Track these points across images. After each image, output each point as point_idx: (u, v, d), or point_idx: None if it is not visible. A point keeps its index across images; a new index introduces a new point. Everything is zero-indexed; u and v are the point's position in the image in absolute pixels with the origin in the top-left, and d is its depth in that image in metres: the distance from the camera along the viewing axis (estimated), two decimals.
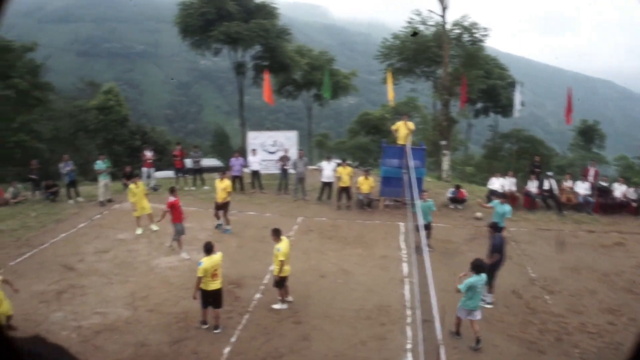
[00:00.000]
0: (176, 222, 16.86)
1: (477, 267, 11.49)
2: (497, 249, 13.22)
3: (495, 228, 13.70)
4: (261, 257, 16.20)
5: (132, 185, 19.00)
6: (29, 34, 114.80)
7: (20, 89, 36.52)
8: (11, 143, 37.30)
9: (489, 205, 17.56)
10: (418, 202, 16.56)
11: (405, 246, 17.84)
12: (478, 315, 11.71)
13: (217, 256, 12.20)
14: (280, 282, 13.11)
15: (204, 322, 12.52)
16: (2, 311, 11.43)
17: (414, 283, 14.35)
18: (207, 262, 11.89)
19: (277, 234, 13.02)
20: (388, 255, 17.13)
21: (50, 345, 1.44)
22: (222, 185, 18.74)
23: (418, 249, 15.51)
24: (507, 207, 16.39)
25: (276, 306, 13.33)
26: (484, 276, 11.57)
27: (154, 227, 19.08)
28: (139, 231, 18.95)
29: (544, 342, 11.93)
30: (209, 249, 12.11)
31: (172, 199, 16.80)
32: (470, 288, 11.33)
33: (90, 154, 44.19)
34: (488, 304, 13.39)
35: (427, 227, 16.71)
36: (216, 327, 12.34)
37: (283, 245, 12.81)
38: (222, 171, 20.16)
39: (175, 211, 16.74)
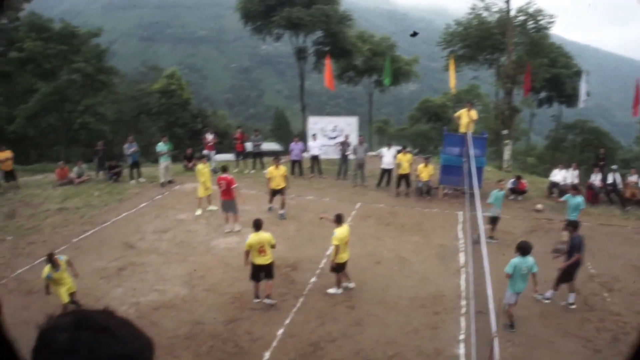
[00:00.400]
0: (227, 199, 17.23)
1: (521, 248, 11.38)
2: (577, 248, 12.81)
3: (575, 227, 13.26)
4: (318, 242, 16.25)
5: (200, 165, 19.35)
6: (94, 20, 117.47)
7: (86, 73, 37.49)
8: (77, 125, 38.41)
9: (562, 199, 17.16)
10: (495, 191, 16.65)
11: (463, 236, 17.63)
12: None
13: (265, 234, 12.39)
14: (336, 268, 13.11)
15: (257, 296, 12.84)
16: (67, 288, 11.86)
17: (470, 273, 14.18)
18: (252, 237, 12.26)
19: (338, 219, 12.99)
20: (445, 244, 16.96)
21: (118, 318, 1.47)
22: (280, 172, 18.85)
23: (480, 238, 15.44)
24: (579, 199, 16.12)
25: (331, 291, 13.35)
26: (529, 259, 11.40)
27: (214, 208, 19.33)
28: (198, 212, 19.29)
29: (600, 340, 11.60)
30: (257, 225, 12.41)
31: (229, 176, 17.28)
32: (515, 269, 11.23)
33: (152, 136, 45.13)
34: (546, 299, 13.07)
35: (496, 218, 16.66)
36: (268, 297, 12.67)
37: (340, 230, 12.75)
38: (277, 157, 19.99)
39: (221, 188, 17.22)
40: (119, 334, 1.42)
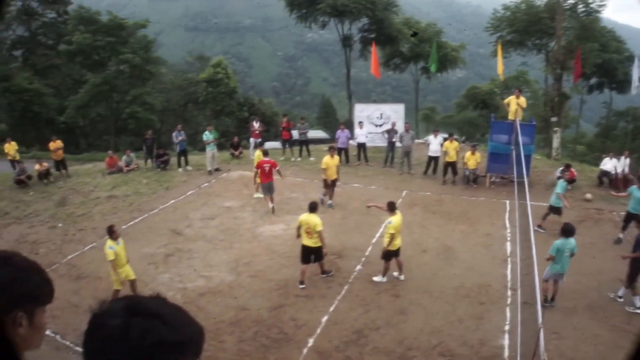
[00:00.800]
0: (269, 180, 17.82)
1: (565, 231, 11.27)
2: None
3: None
4: (364, 230, 16.25)
5: (258, 152, 19.47)
6: (140, 11, 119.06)
7: (134, 63, 38.07)
8: (125, 114, 39.10)
9: (624, 193, 16.70)
10: (560, 181, 16.79)
11: (510, 224, 17.40)
12: (562, 280, 11.61)
13: (314, 218, 12.71)
14: (388, 255, 13.13)
15: (302, 282, 13.09)
16: (125, 274, 12.10)
17: (516, 263, 14.01)
18: (303, 216, 13.02)
19: (391, 207, 13.05)
20: (492, 234, 16.77)
21: (169, 305, 1.50)
22: (335, 161, 18.60)
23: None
24: None
25: (376, 279, 13.35)
26: (572, 241, 11.28)
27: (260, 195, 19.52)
28: (258, 195, 19.50)
29: None
30: (311, 208, 12.93)
31: (271, 160, 17.95)
32: (558, 251, 11.12)
33: (199, 125, 45.63)
34: (638, 308, 12.11)
35: (557, 210, 16.51)
36: (323, 272, 13.48)
37: (395, 218, 12.79)
38: (332, 147, 19.68)
39: (264, 171, 17.84)
40: (170, 321, 1.44)
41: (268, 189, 17.93)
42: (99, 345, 1.36)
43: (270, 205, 18.02)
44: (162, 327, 1.40)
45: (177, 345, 1.42)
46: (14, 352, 1.44)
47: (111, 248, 11.79)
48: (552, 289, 11.69)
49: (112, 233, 11.97)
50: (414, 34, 40.76)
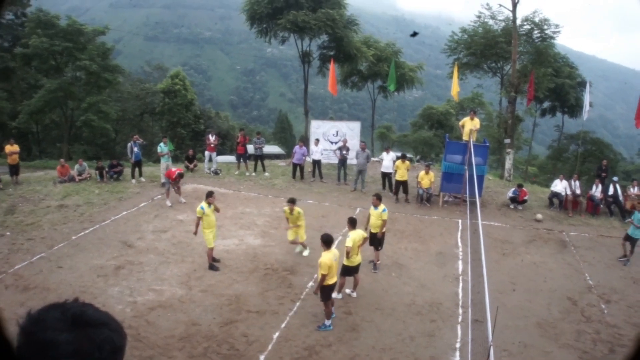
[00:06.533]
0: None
1: None
2: None
3: None
4: (317, 245, 16.18)
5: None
6: (101, 17, 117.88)
7: (91, 70, 37.44)
8: (80, 122, 38.40)
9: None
10: (636, 212, 16.79)
11: (462, 243, 17.61)
12: None
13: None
14: (346, 271, 13.14)
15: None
16: (213, 235, 14.62)
17: (468, 282, 14.16)
18: (353, 234, 12.95)
19: (352, 223, 13.16)
20: (444, 252, 16.96)
21: (101, 310, 1.48)
22: (382, 215, 15.01)
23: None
24: None
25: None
26: None
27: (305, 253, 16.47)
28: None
29: (597, 352, 11.58)
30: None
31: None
32: None
33: (154, 135, 45.22)
34: None
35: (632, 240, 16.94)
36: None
37: (353, 233, 12.87)
38: (377, 195, 15.45)
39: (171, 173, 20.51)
40: (114, 327, 1.43)
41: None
42: None
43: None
44: (112, 334, 1.39)
45: (123, 348, 1.42)
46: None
47: (202, 208, 14.22)
48: None
49: (208, 197, 14.47)
50: (414, 34, 41.07)
